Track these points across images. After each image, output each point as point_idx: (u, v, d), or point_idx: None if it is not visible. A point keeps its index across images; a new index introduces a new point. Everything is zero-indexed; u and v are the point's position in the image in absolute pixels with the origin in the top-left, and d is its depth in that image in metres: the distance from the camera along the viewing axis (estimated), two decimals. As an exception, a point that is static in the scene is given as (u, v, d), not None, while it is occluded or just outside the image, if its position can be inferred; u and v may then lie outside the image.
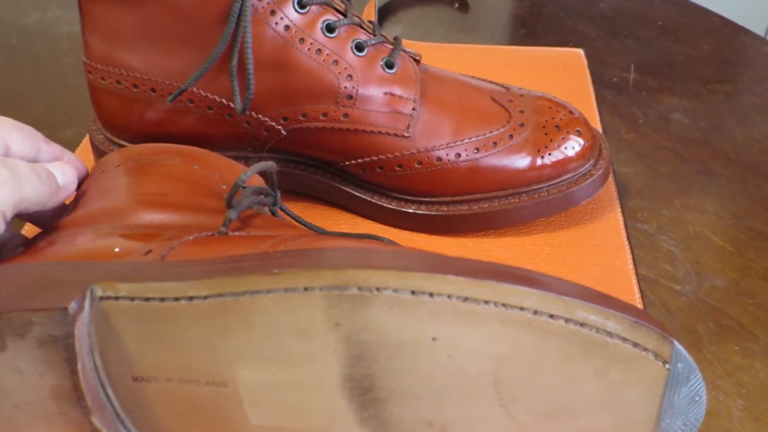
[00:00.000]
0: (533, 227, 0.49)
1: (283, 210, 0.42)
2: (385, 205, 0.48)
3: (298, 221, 0.44)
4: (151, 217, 0.33)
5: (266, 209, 0.40)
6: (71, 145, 0.54)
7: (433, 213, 0.47)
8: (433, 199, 0.47)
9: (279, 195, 0.40)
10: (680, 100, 0.63)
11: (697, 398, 0.29)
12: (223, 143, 0.47)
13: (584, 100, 0.62)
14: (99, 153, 0.49)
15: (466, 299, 0.25)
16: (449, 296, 0.25)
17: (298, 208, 0.49)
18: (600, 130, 0.59)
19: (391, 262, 0.25)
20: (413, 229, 0.48)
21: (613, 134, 0.58)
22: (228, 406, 0.28)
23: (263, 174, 0.40)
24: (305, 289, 0.25)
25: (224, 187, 0.38)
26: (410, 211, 0.47)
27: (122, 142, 0.48)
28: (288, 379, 0.27)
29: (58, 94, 0.61)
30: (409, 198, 0.47)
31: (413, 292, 0.25)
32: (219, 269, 0.26)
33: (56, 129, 0.57)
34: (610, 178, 0.53)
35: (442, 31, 0.73)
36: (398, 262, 0.25)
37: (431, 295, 0.25)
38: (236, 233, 0.32)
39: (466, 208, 0.47)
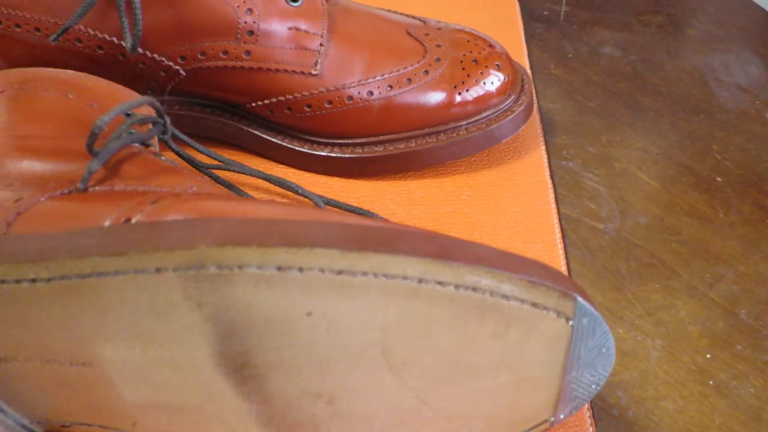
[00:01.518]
0: (453, 167, 0.47)
1: (179, 139, 0.38)
2: (296, 148, 0.45)
3: (203, 153, 0.40)
4: (10, 167, 0.30)
5: (152, 149, 0.36)
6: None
7: (347, 155, 0.45)
8: (346, 141, 0.45)
9: (168, 122, 0.36)
10: (612, 33, 0.61)
11: (604, 350, 0.27)
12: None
13: (512, 35, 0.59)
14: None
15: (340, 272, 0.23)
16: (321, 270, 0.23)
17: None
18: (528, 65, 0.56)
19: (252, 236, 0.22)
20: (327, 173, 0.46)
21: (542, 69, 0.56)
22: (99, 384, 0.25)
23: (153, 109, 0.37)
24: (157, 270, 0.22)
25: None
26: (323, 154, 0.45)
27: (10, 87, 0.44)
28: (156, 358, 0.24)
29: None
30: (321, 140, 0.45)
31: (279, 268, 0.23)
32: (60, 247, 0.23)
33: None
34: (535, 115, 0.51)
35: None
36: (260, 235, 0.23)
37: (300, 269, 0.23)
38: (99, 188, 0.29)
39: (381, 149, 0.45)
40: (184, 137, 0.38)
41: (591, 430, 0.34)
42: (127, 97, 0.37)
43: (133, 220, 0.26)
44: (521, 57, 0.57)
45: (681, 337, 0.38)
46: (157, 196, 0.28)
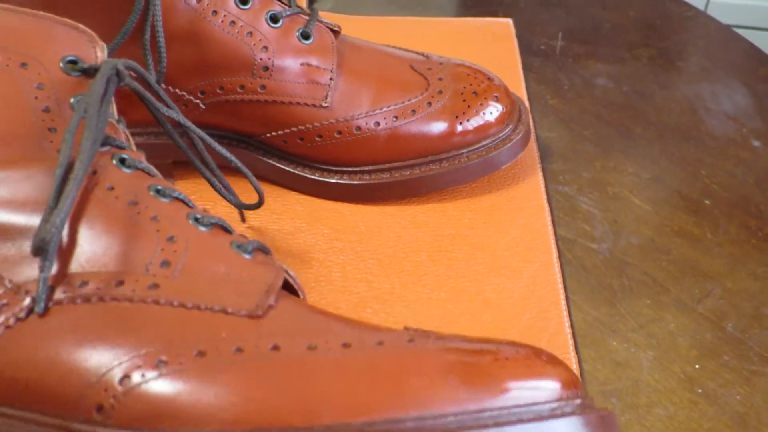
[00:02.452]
0: (456, 193, 0.49)
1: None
2: (308, 176, 0.48)
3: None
4: None
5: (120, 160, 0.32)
6: None
7: (356, 182, 0.48)
8: (354, 169, 0.48)
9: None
10: (605, 65, 0.64)
11: None
12: (143, 120, 0.46)
13: (511, 69, 0.62)
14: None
15: None
16: None
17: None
18: (525, 97, 0.59)
19: None
20: (337, 199, 0.48)
21: (539, 100, 0.59)
22: None
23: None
24: None
25: (43, 88, 0.29)
26: (333, 181, 0.48)
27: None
28: None
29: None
30: (331, 168, 0.48)
31: None
32: None
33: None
34: (533, 143, 0.54)
35: (371, 4, 0.73)
36: None
37: None
38: (63, 300, 0.27)
39: (387, 176, 0.48)
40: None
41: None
42: (66, 37, 0.31)
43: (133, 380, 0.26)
44: (519, 89, 0.60)
45: (671, 349, 0.41)
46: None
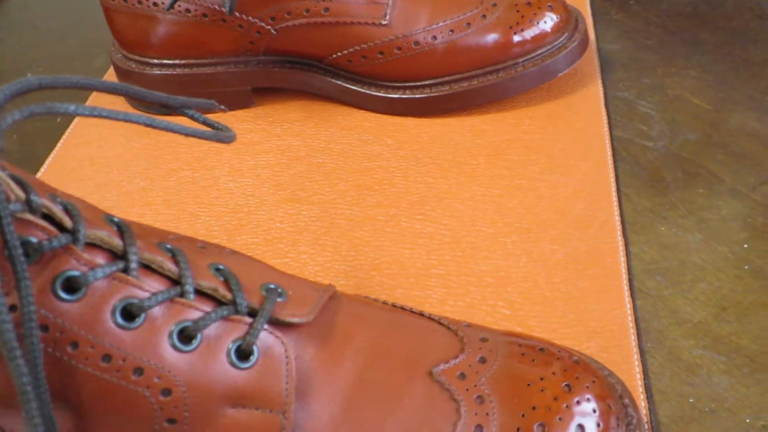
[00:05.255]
0: (514, 102, 0.52)
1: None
2: (373, 93, 0.52)
3: None
4: None
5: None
6: (101, 72, 0.60)
7: (417, 96, 0.51)
8: (416, 84, 0.51)
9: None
10: (675, -22, 0.64)
11: None
12: (223, 49, 0.51)
13: (578, -12, 0.63)
14: (119, 71, 0.55)
15: None
16: None
17: (296, 106, 0.53)
18: (590, 13, 0.60)
19: None
20: (402, 114, 0.52)
21: (603, 15, 0.60)
22: None
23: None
24: None
25: None
26: (396, 96, 0.51)
27: (137, 57, 0.53)
28: None
29: (92, 28, 0.67)
30: (394, 84, 0.51)
31: None
32: None
33: (89, 59, 0.63)
34: (593, 54, 0.55)
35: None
36: None
37: None
38: None
39: (447, 88, 0.50)
40: None
41: (629, 308, 0.38)
42: None
43: None
44: (584, 5, 0.61)
45: (721, 231, 0.42)
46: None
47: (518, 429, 0.27)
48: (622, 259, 0.41)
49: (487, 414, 0.28)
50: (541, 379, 0.29)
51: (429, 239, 0.43)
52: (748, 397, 0.34)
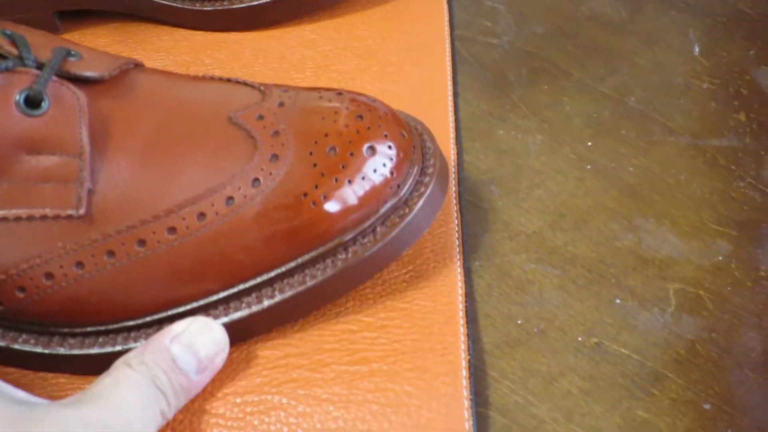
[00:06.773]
0: (350, 6, 0.46)
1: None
2: (188, 7, 0.45)
3: None
4: None
5: None
6: None
7: (236, 6, 0.45)
8: (233, -8, 0.45)
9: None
10: None
11: None
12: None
13: None
14: None
15: None
16: None
17: (107, 30, 0.47)
18: None
19: None
20: (222, 29, 0.46)
21: None
22: None
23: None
24: None
25: None
26: (212, 9, 0.45)
27: None
28: None
29: None
30: (209, -5, 0.45)
31: None
32: None
33: None
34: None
35: None
36: None
37: None
38: None
39: (269, -5, 0.44)
40: None
41: (456, 224, 0.33)
42: None
43: None
44: None
45: (563, 130, 0.37)
46: None
47: (311, 153, 0.29)
48: (452, 170, 0.36)
49: (282, 144, 0.29)
50: (335, 113, 0.30)
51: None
52: (581, 313, 0.30)
